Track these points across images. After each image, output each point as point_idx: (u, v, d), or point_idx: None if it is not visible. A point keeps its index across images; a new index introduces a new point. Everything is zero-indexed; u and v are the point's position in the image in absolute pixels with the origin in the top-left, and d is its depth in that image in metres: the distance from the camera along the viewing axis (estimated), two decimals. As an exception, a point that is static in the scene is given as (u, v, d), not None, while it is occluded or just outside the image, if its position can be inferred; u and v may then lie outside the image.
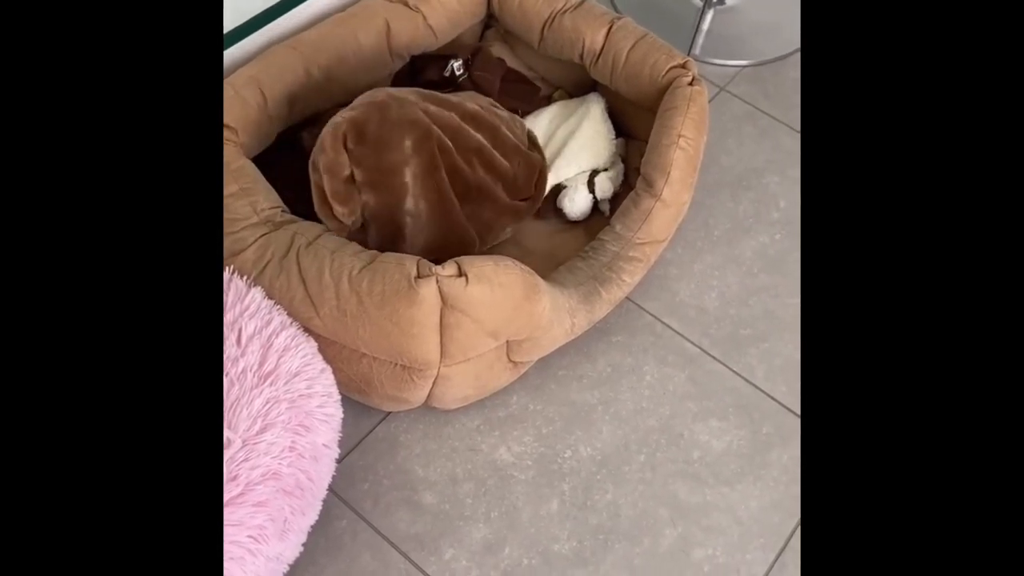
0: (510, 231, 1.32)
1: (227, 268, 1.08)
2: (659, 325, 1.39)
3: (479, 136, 1.22)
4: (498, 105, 1.31)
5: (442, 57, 1.46)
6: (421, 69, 1.47)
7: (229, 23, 1.31)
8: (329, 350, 1.10)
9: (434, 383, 1.16)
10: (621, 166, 1.44)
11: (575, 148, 1.41)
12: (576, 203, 1.39)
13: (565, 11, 1.42)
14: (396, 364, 1.13)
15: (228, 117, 1.21)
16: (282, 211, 1.17)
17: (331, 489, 1.17)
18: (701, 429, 1.29)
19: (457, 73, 1.45)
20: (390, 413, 1.28)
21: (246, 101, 1.24)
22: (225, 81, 1.24)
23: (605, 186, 1.40)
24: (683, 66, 1.33)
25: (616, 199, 1.40)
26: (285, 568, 1.05)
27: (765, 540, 1.20)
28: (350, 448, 1.25)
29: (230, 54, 1.34)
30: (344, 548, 1.17)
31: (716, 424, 1.29)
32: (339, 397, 1.06)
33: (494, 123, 1.25)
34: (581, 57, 1.43)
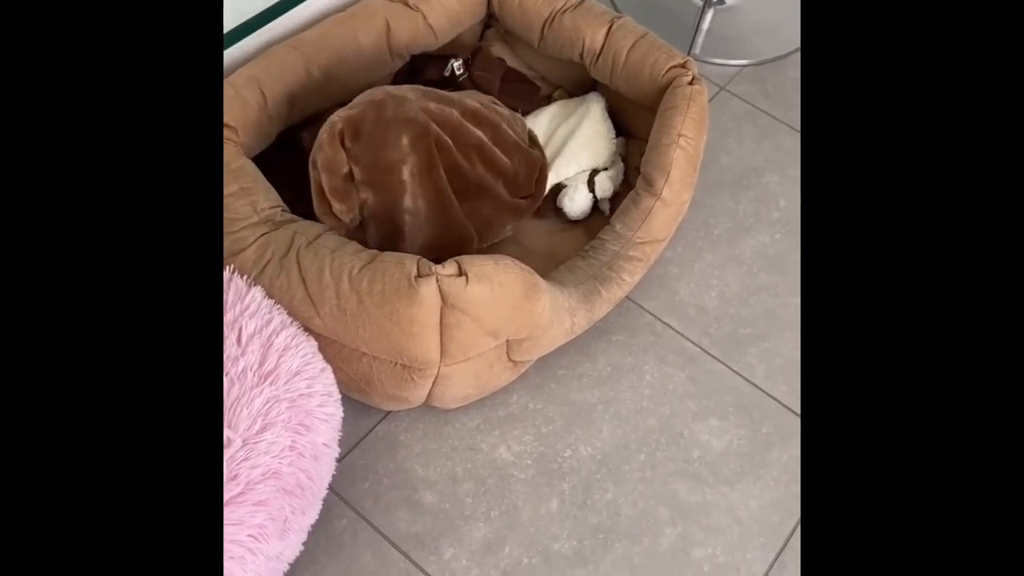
0: (510, 229, 1.32)
1: (227, 267, 1.08)
2: (659, 324, 1.39)
3: (479, 133, 1.22)
4: (499, 102, 1.31)
5: (442, 57, 1.46)
6: (421, 69, 1.47)
7: (229, 23, 1.31)
8: (329, 349, 1.10)
9: (434, 382, 1.16)
10: (621, 165, 1.44)
11: (575, 147, 1.41)
12: (576, 202, 1.39)
13: (565, 10, 1.42)
14: (396, 363, 1.13)
15: (228, 116, 1.21)
16: (282, 211, 1.17)
17: (331, 488, 1.17)
18: (701, 428, 1.29)
19: (457, 73, 1.45)
20: (390, 412, 1.28)
21: (246, 101, 1.24)
22: (225, 81, 1.24)
23: (605, 185, 1.40)
24: (683, 65, 1.33)
25: (616, 198, 1.40)
26: (285, 567, 1.05)
27: (765, 539, 1.20)
28: (350, 447, 1.25)
29: (230, 54, 1.34)
30: (344, 547, 1.17)
31: (716, 423, 1.30)
32: (339, 396, 1.06)
33: (495, 120, 1.25)
34: (581, 56, 1.43)
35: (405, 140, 1.15)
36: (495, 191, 1.24)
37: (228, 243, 1.12)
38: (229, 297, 1.02)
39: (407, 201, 1.17)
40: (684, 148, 1.27)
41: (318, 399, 1.01)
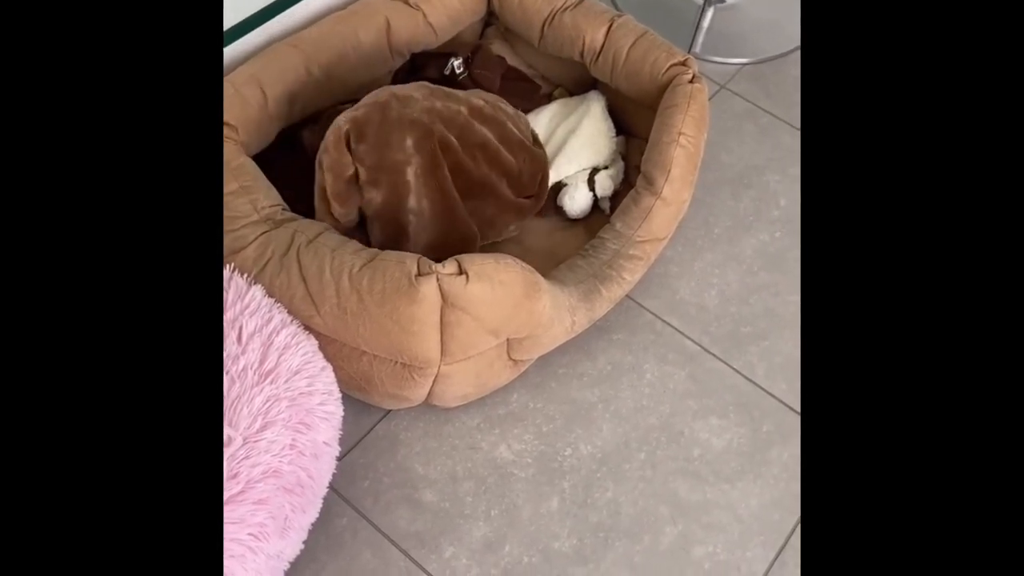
0: (514, 229, 1.32)
1: (227, 266, 1.08)
2: (659, 323, 1.39)
3: (486, 131, 1.22)
4: (503, 101, 1.31)
5: (442, 55, 1.46)
6: (421, 67, 1.47)
7: (229, 20, 1.31)
8: (329, 348, 1.10)
9: (434, 381, 1.16)
10: (621, 164, 1.44)
11: (575, 146, 1.41)
12: (576, 201, 1.39)
13: (565, 9, 1.41)
14: (396, 362, 1.13)
15: (228, 115, 1.21)
16: (282, 209, 1.17)
17: (332, 487, 1.17)
18: (701, 427, 1.29)
19: (457, 71, 1.45)
20: (390, 411, 1.28)
21: (246, 99, 1.24)
22: (225, 79, 1.24)
23: (605, 184, 1.40)
24: (683, 64, 1.33)
25: (616, 197, 1.40)
26: (286, 566, 1.05)
27: (765, 538, 1.20)
28: (351, 446, 1.25)
29: (230, 52, 1.33)
30: (345, 546, 1.17)
31: (716, 422, 1.30)
32: (339, 395, 1.06)
33: (501, 118, 1.25)
34: (581, 55, 1.43)
35: (409, 141, 1.15)
36: (499, 190, 1.24)
37: (228, 241, 1.12)
38: (229, 295, 1.02)
39: (411, 201, 1.17)
40: (684, 146, 1.27)
41: (318, 397, 1.01)
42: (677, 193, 1.29)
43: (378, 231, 1.19)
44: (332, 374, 1.05)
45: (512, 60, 1.55)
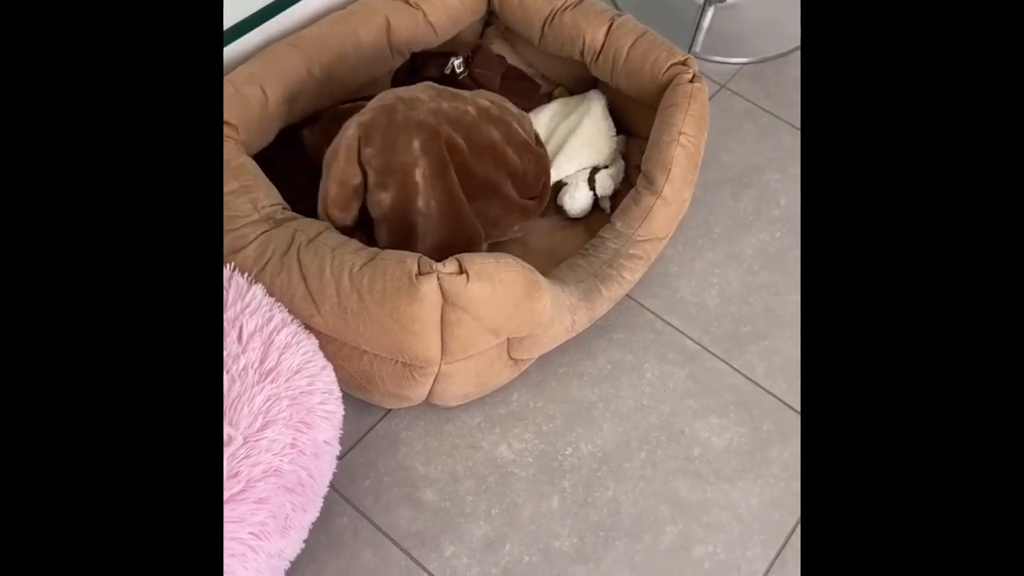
0: (518, 230, 1.32)
1: (228, 265, 1.08)
2: (660, 322, 1.39)
3: (493, 132, 1.23)
4: (507, 101, 1.31)
5: (442, 54, 1.46)
6: (421, 66, 1.47)
7: (229, 20, 1.31)
8: (330, 347, 1.10)
9: (435, 380, 1.16)
10: (622, 163, 1.44)
11: (576, 145, 1.41)
12: (577, 200, 1.39)
13: (565, 8, 1.41)
14: (397, 361, 1.13)
15: (228, 114, 1.21)
16: (283, 208, 1.17)
17: (332, 486, 1.17)
18: (701, 426, 1.29)
19: (458, 71, 1.45)
20: (391, 410, 1.28)
21: (247, 99, 1.24)
22: (226, 79, 1.24)
23: (606, 183, 1.40)
24: (684, 63, 1.33)
25: (617, 196, 1.40)
26: (286, 565, 1.05)
27: (766, 537, 1.20)
28: (351, 445, 1.25)
29: (230, 51, 1.34)
30: (345, 545, 1.17)
31: (716, 421, 1.30)
32: (340, 394, 1.06)
33: (507, 119, 1.25)
34: (582, 54, 1.43)
35: (416, 143, 1.15)
36: (504, 191, 1.24)
37: (229, 241, 1.12)
38: (230, 295, 1.02)
39: (420, 202, 1.17)
40: (685, 146, 1.27)
41: (319, 397, 1.01)
42: (677, 192, 1.29)
43: (385, 233, 1.19)
44: (333, 373, 1.05)
45: (512, 59, 1.55)
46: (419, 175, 1.16)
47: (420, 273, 1.04)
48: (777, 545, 1.20)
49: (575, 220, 1.41)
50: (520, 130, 1.27)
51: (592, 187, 1.39)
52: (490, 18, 1.56)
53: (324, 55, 1.33)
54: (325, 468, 1.06)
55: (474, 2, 1.48)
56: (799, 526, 1.21)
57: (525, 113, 1.34)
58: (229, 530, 0.89)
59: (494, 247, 1.31)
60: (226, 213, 1.13)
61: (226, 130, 1.20)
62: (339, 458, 1.10)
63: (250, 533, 0.91)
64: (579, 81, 1.53)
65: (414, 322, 1.05)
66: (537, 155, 1.29)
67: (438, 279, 1.04)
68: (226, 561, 0.89)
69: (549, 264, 1.28)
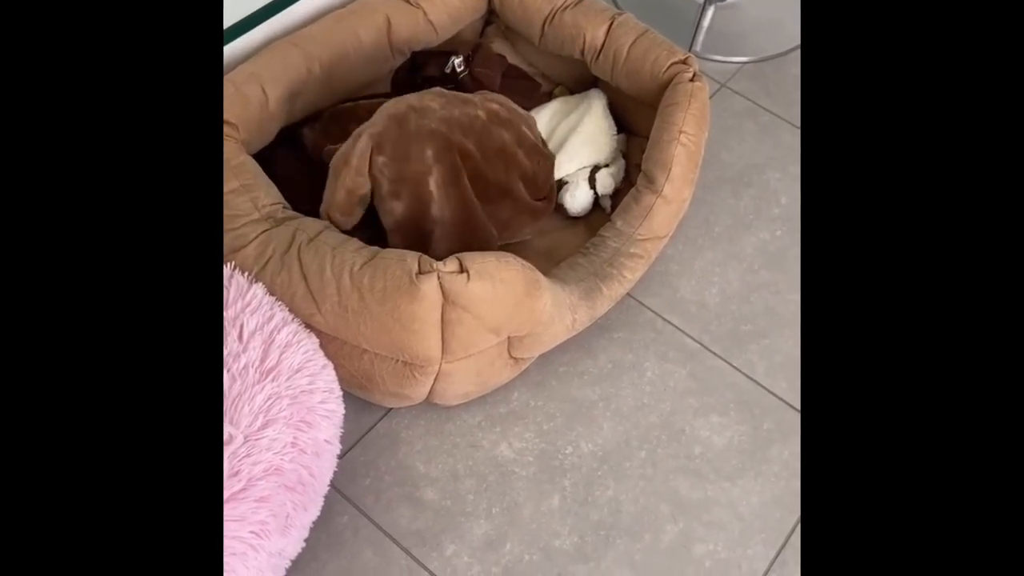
0: (529, 232, 1.32)
1: (228, 264, 1.08)
2: (660, 321, 1.39)
3: (504, 135, 1.23)
4: (512, 103, 1.31)
5: (443, 53, 1.46)
6: (422, 65, 1.47)
7: (229, 19, 1.31)
8: (330, 346, 1.11)
9: (435, 379, 1.16)
10: (622, 162, 1.44)
11: (576, 144, 1.41)
12: (577, 199, 1.39)
13: (566, 7, 1.41)
14: (397, 360, 1.13)
15: (229, 113, 1.21)
16: (283, 207, 1.17)
17: (333, 485, 1.17)
18: (702, 425, 1.29)
19: (458, 69, 1.45)
20: (391, 409, 1.28)
21: (247, 98, 1.24)
22: (226, 78, 1.24)
23: (606, 182, 1.40)
24: (684, 62, 1.33)
25: (617, 195, 1.40)
26: (287, 564, 1.05)
27: (766, 536, 1.20)
28: (352, 444, 1.25)
29: (230, 50, 1.34)
30: (346, 544, 1.17)
31: (717, 420, 1.30)
32: (341, 393, 1.06)
33: (517, 121, 1.26)
34: (582, 53, 1.43)
35: (429, 152, 1.16)
36: (515, 193, 1.25)
37: (229, 240, 1.12)
38: (230, 294, 1.02)
39: (434, 210, 1.17)
40: (685, 145, 1.27)
41: (320, 396, 1.01)
42: (678, 191, 1.29)
43: (399, 242, 1.19)
44: (333, 372, 1.05)
45: (513, 58, 1.55)
46: (432, 183, 1.16)
47: (420, 272, 1.04)
48: (777, 544, 1.20)
49: (575, 219, 1.41)
50: (529, 132, 1.27)
51: (593, 186, 1.39)
52: (490, 17, 1.56)
53: (325, 54, 1.33)
54: (326, 467, 1.06)
55: (474, 1, 1.48)
56: (799, 525, 1.21)
57: (530, 115, 1.34)
58: (230, 529, 0.89)
59: (505, 250, 1.31)
60: (226, 212, 1.13)
61: (226, 129, 1.20)
62: (340, 457, 1.10)
63: (251, 532, 0.91)
64: (579, 80, 1.53)
65: (414, 321, 1.05)
66: (545, 156, 1.29)
67: (438, 278, 1.04)
68: (227, 560, 0.89)
69: (549, 263, 1.28)
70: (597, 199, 1.41)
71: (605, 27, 1.39)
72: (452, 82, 1.44)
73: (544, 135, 1.42)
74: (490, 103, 1.25)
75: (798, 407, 1.32)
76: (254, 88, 1.25)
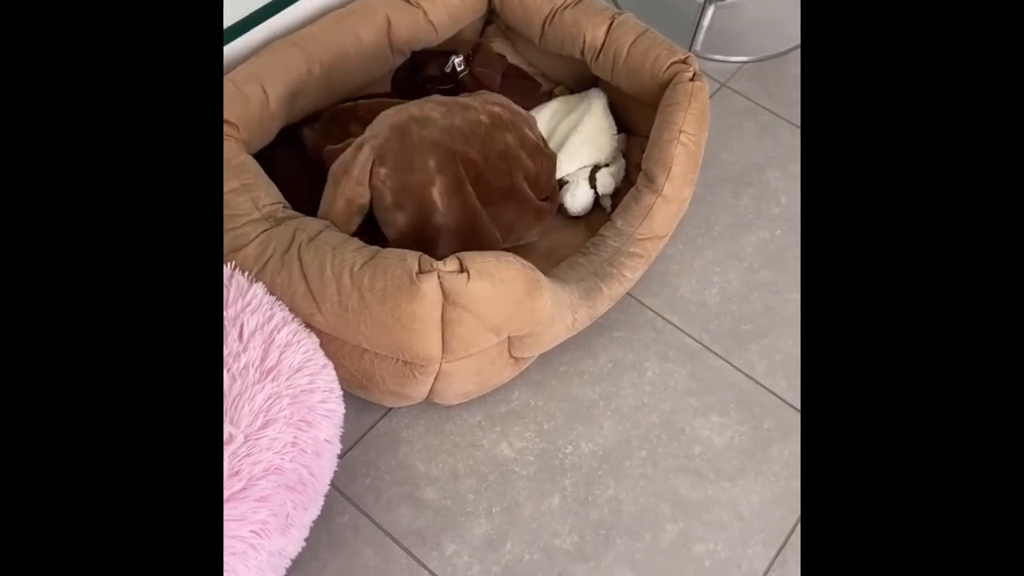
0: (535, 234, 1.32)
1: (229, 264, 1.09)
2: (660, 321, 1.39)
3: (507, 137, 1.23)
4: (514, 104, 1.31)
5: (443, 53, 1.46)
6: (422, 65, 1.47)
7: (229, 18, 1.31)
8: (331, 346, 1.11)
9: (436, 379, 1.16)
10: (622, 161, 1.44)
11: (576, 143, 1.41)
12: (577, 198, 1.39)
13: (566, 7, 1.41)
14: (398, 360, 1.13)
15: (229, 113, 1.21)
16: (283, 207, 1.17)
17: (333, 484, 1.17)
18: (702, 424, 1.29)
19: (458, 69, 1.45)
20: (392, 409, 1.29)
21: (247, 97, 1.24)
22: (226, 77, 1.24)
23: (606, 181, 1.40)
24: (684, 62, 1.33)
25: (617, 195, 1.40)
26: (287, 563, 1.05)
27: (766, 535, 1.20)
28: (352, 444, 1.25)
29: (231, 50, 1.34)
30: (346, 543, 1.17)
31: (717, 419, 1.30)
32: (341, 393, 1.06)
33: (519, 122, 1.26)
34: (582, 53, 1.43)
35: (432, 163, 1.16)
36: (519, 195, 1.25)
37: (229, 239, 1.12)
38: (230, 293, 1.03)
39: (438, 219, 1.17)
40: (685, 144, 1.27)
41: (320, 395, 1.01)
42: (678, 191, 1.29)
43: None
44: (333, 372, 1.05)
45: (513, 58, 1.55)
46: (436, 193, 1.16)
47: (421, 271, 1.04)
48: (778, 543, 1.20)
49: (576, 218, 1.41)
50: (531, 133, 1.27)
51: (593, 185, 1.39)
52: (490, 17, 1.56)
53: (325, 54, 1.33)
54: (326, 466, 1.06)
55: (474, 1, 1.48)
56: (799, 524, 1.21)
57: (531, 114, 1.34)
58: (230, 528, 0.89)
59: (506, 250, 1.31)
60: (226, 212, 1.13)
61: (226, 128, 1.21)
62: (340, 456, 1.10)
63: (251, 531, 0.91)
64: (579, 79, 1.53)
65: (415, 320, 1.05)
66: (547, 156, 1.29)
67: (439, 277, 1.04)
68: (227, 559, 0.89)
69: (550, 262, 1.28)
70: (597, 199, 1.41)
71: (605, 27, 1.39)
72: (452, 82, 1.44)
73: (544, 135, 1.42)
74: (492, 106, 1.25)
75: (798, 407, 1.32)
76: (254, 88, 1.25)
